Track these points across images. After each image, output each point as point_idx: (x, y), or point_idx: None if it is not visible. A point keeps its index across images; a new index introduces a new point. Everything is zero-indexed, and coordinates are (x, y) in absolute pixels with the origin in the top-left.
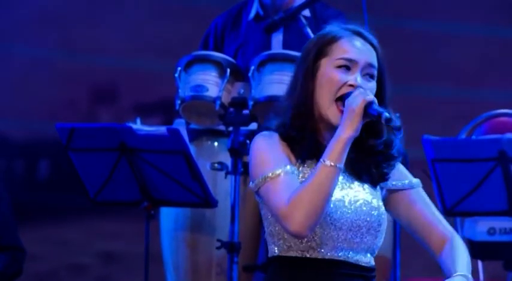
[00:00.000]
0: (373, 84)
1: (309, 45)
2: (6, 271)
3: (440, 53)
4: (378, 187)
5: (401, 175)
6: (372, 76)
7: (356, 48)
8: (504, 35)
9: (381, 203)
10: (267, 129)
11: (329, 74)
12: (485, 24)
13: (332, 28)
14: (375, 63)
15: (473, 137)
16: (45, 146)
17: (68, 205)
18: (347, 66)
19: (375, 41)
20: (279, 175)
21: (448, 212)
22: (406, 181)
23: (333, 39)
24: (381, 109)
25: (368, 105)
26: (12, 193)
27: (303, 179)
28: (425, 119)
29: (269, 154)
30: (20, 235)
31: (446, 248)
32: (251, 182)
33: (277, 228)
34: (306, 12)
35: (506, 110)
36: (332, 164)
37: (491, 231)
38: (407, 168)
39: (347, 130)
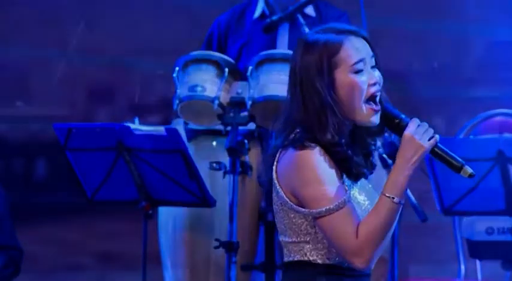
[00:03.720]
0: (378, 73)
1: (309, 58)
2: (4, 270)
3: (440, 53)
4: None
5: None
6: (375, 65)
7: (358, 46)
8: (503, 35)
9: None
10: (304, 141)
11: (351, 83)
12: (484, 24)
13: (324, 36)
14: (372, 52)
15: (471, 137)
16: (42, 146)
17: (65, 204)
18: (361, 68)
19: (363, 32)
20: (342, 207)
21: (446, 212)
22: None
23: (337, 48)
24: (452, 153)
25: (436, 145)
26: (10, 193)
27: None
28: (423, 119)
29: (328, 178)
30: (18, 235)
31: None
32: (305, 208)
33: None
34: (311, 12)
35: (502, 110)
36: (400, 202)
37: (489, 230)
38: None
39: (413, 166)
